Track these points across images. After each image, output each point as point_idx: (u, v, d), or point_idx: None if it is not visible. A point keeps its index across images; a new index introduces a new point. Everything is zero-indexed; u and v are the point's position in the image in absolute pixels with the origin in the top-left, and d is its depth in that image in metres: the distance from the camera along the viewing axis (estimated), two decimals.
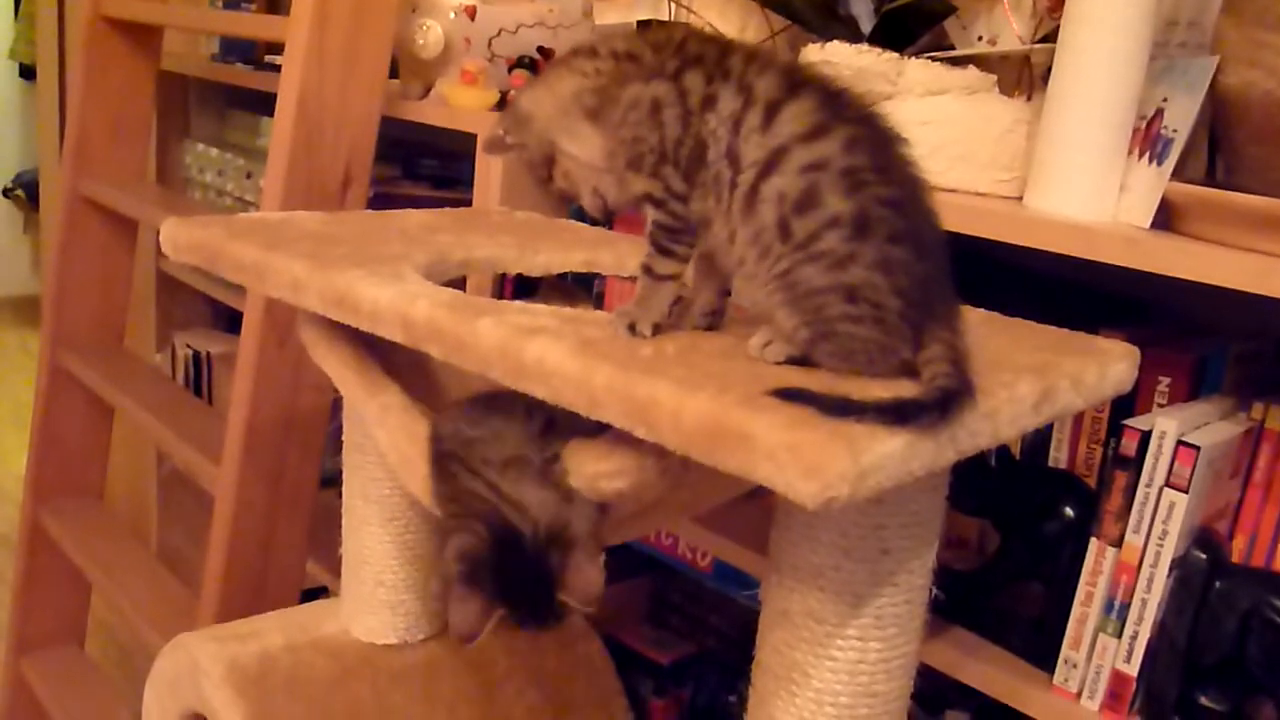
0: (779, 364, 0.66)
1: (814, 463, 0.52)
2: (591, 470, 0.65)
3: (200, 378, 2.02)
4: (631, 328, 0.69)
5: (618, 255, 1.03)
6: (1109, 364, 0.76)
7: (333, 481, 1.20)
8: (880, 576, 0.72)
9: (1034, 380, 0.68)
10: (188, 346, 2.06)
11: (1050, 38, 1.11)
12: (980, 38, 1.17)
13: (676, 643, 1.27)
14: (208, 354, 2.03)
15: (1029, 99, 1.10)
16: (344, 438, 1.08)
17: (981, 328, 0.81)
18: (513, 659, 1.14)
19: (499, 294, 1.31)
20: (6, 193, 4.71)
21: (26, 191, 4.61)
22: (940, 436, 0.59)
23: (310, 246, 0.89)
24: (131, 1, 1.66)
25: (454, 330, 0.70)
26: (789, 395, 0.58)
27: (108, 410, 1.87)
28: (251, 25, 1.44)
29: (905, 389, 0.61)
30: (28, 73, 4.60)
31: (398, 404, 0.84)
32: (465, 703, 1.07)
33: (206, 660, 1.03)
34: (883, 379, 0.64)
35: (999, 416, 0.64)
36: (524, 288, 1.22)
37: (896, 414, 0.57)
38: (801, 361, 0.66)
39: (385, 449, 0.84)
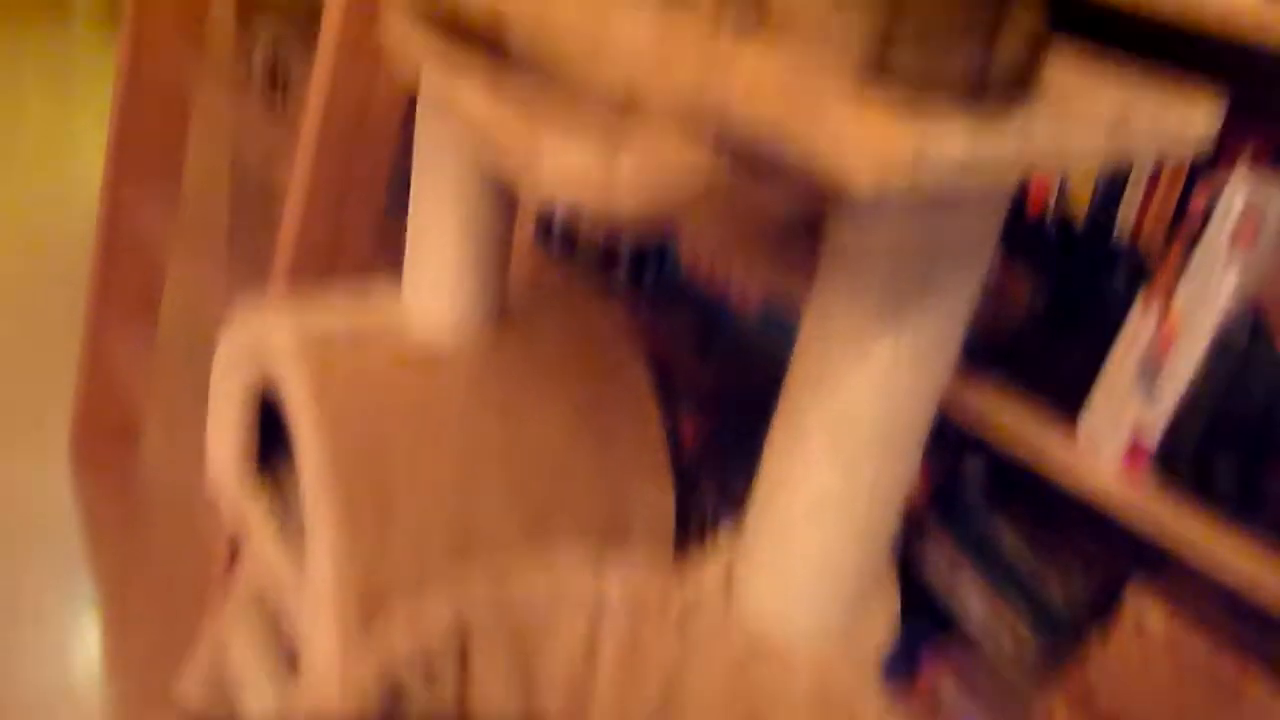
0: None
1: (876, 148, 0.53)
2: (668, 157, 0.65)
3: (275, 79, 2.03)
4: None
5: None
6: (1190, 110, 0.74)
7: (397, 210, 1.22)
8: (924, 293, 0.73)
9: (1112, 107, 0.67)
10: (268, 47, 2.06)
11: None
12: None
13: (717, 377, 1.32)
14: (285, 56, 2.03)
15: None
16: (416, 125, 1.10)
17: (1068, 60, 0.79)
18: (563, 371, 1.19)
19: None
20: None
21: None
22: (1007, 136, 0.58)
23: None
24: None
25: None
26: (873, 67, 0.57)
27: (186, 100, 1.90)
28: None
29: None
30: None
31: (482, 78, 0.84)
32: (512, 408, 1.13)
33: (275, 334, 1.09)
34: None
35: (1070, 136, 0.63)
36: None
37: (969, 89, 0.56)
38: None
39: (468, 111, 0.83)
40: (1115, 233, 1.03)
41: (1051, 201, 1.05)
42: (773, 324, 1.27)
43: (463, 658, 0.80)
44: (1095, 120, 0.64)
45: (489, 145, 0.82)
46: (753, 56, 0.60)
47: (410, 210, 1.13)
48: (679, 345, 1.37)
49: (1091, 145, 0.65)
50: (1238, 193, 0.82)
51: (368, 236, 1.53)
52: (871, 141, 0.53)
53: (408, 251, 1.15)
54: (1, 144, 3.62)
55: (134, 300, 2.05)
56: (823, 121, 0.55)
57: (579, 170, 0.71)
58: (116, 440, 2.20)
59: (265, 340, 1.10)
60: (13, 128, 3.76)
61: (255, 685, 1.26)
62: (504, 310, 1.19)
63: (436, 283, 1.12)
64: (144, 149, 1.92)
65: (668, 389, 1.29)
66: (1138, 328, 0.90)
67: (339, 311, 1.14)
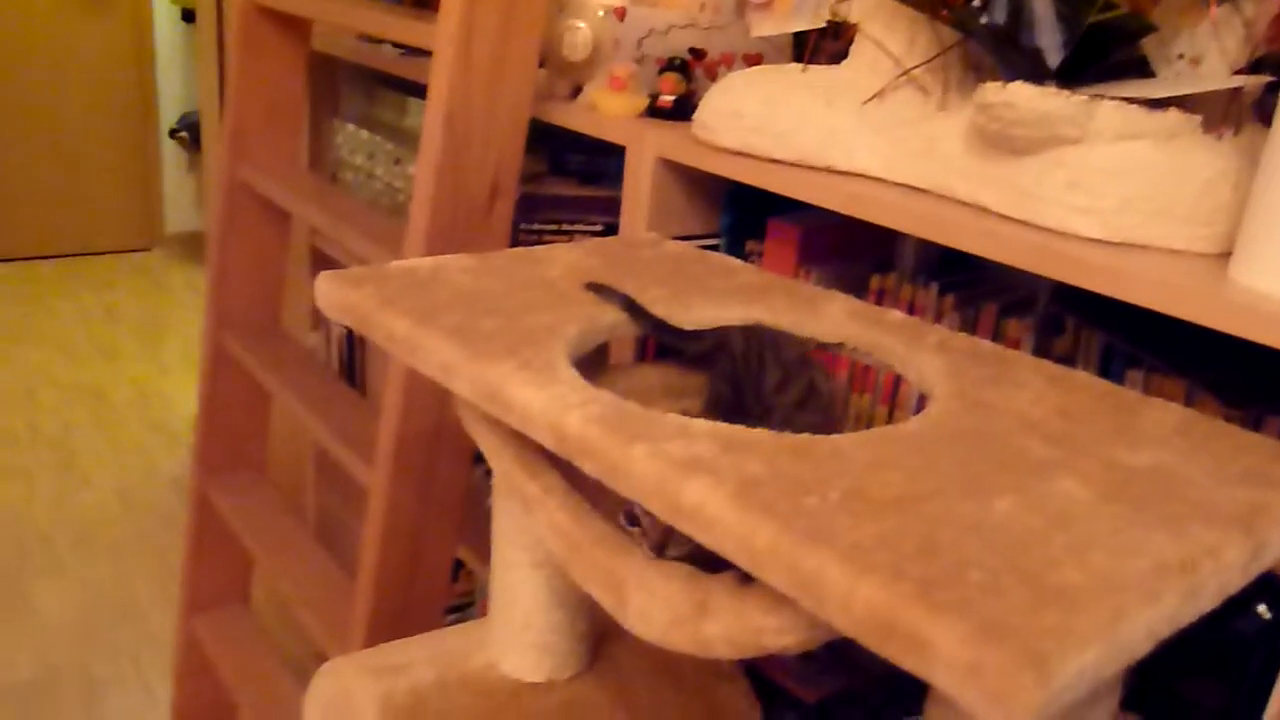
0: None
1: (997, 689, 0.48)
2: (756, 624, 0.62)
3: (353, 357, 2.07)
4: None
5: (774, 311, 0.98)
6: None
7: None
8: None
9: (1241, 537, 0.61)
10: (342, 326, 2.11)
11: (1265, 64, 1.00)
12: (1180, 56, 1.06)
13: (824, 679, 1.25)
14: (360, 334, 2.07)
15: (1236, 133, 1.00)
16: (493, 483, 1.08)
17: (1176, 439, 0.73)
18: (657, 699, 1.13)
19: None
20: (172, 134, 4.90)
21: (190, 133, 4.79)
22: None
23: (460, 317, 0.88)
24: None
25: (607, 453, 0.68)
26: None
27: (266, 390, 1.94)
28: (399, 29, 1.42)
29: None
30: (189, 16, 4.73)
31: (559, 487, 0.83)
32: None
33: (360, 694, 1.06)
34: None
35: (1201, 592, 0.58)
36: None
37: None
38: None
39: (546, 532, 0.83)
40: None
41: None
42: None
43: None
44: (1229, 570, 0.58)
45: (568, 560, 0.80)
46: (840, 554, 0.56)
47: (492, 558, 1.11)
48: (779, 656, 1.31)
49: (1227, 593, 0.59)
50: None
51: (451, 533, 1.52)
52: (992, 686, 0.48)
53: (491, 599, 1.12)
54: (96, 385, 3.76)
55: (225, 584, 2.06)
56: (933, 652, 0.50)
57: (664, 622, 0.67)
58: None
59: (350, 699, 1.07)
60: (108, 370, 3.91)
61: None
62: (597, 647, 1.15)
63: (522, 638, 1.08)
64: (229, 437, 1.96)
65: (773, 707, 1.22)
66: None
67: (425, 658, 1.10)
